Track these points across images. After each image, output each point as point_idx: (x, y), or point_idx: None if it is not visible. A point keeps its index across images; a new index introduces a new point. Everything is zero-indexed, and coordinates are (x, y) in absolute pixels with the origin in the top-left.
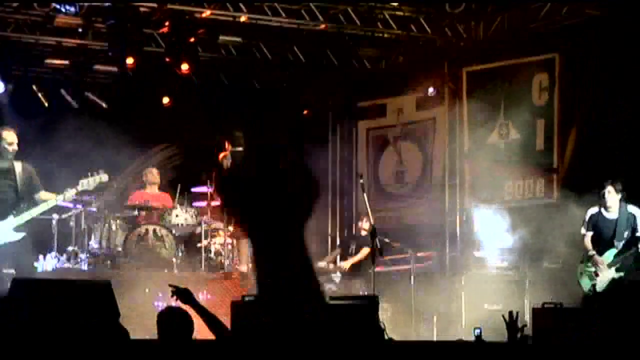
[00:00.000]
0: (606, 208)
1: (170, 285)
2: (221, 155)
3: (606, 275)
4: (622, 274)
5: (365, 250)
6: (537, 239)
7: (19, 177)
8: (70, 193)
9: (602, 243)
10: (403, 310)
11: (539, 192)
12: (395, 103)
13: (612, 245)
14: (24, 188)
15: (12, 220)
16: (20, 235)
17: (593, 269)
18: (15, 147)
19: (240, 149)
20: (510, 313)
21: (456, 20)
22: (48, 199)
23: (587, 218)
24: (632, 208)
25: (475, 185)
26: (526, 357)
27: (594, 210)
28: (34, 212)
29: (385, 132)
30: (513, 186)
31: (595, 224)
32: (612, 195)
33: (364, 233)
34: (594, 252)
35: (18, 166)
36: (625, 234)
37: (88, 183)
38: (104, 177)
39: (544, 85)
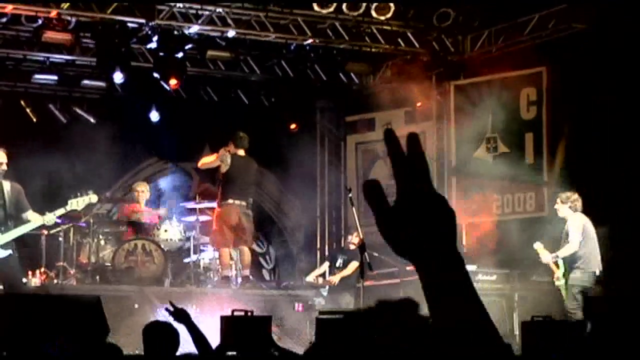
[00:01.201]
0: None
1: (170, 303)
2: (222, 151)
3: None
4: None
5: (354, 265)
6: (526, 253)
7: (7, 196)
8: (54, 215)
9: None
10: None
11: (529, 206)
12: (384, 117)
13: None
14: (12, 207)
15: (0, 238)
16: (6, 252)
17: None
18: (4, 167)
19: (242, 152)
20: None
21: (444, 34)
22: (35, 220)
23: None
24: (572, 217)
25: (464, 199)
26: None
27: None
28: (20, 230)
29: (374, 147)
30: (502, 200)
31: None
32: (559, 206)
33: (352, 247)
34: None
35: (7, 185)
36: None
37: (77, 203)
38: (93, 198)
39: (532, 99)
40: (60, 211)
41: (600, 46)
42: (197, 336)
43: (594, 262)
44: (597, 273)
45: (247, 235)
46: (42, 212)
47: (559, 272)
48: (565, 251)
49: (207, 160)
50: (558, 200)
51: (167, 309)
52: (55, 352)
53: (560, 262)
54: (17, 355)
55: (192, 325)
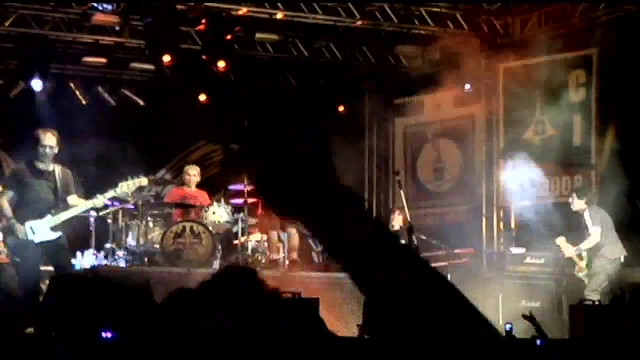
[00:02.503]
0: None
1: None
2: None
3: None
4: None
5: None
6: (575, 236)
7: (58, 180)
8: (104, 198)
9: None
10: None
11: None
12: (432, 100)
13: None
14: (62, 190)
15: (50, 220)
16: (57, 234)
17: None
18: (55, 150)
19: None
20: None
21: (493, 16)
22: (80, 204)
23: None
24: (587, 210)
25: (512, 182)
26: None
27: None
28: (70, 213)
29: (423, 129)
30: (550, 183)
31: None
32: (575, 202)
33: (395, 227)
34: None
35: (58, 169)
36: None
37: (127, 186)
38: (144, 181)
39: (580, 81)
40: (110, 194)
41: None
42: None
43: (617, 250)
44: (622, 259)
45: None
46: (92, 195)
47: (582, 264)
48: (588, 243)
49: None
50: (574, 195)
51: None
52: (107, 338)
53: (584, 254)
54: (67, 337)
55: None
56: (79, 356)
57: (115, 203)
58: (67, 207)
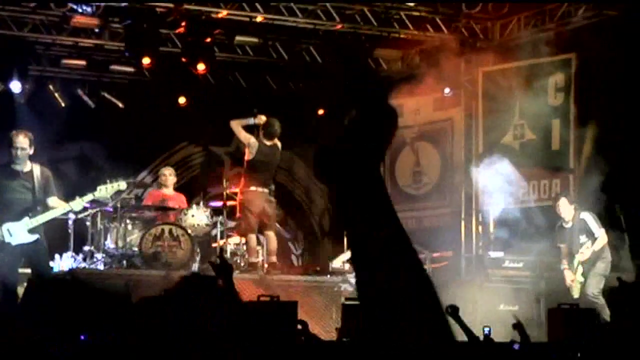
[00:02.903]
0: (564, 220)
1: (219, 254)
2: (252, 139)
3: (577, 282)
4: (582, 279)
5: None
6: (553, 240)
7: (36, 181)
8: (83, 201)
9: (569, 253)
10: None
11: (555, 193)
12: (412, 104)
13: (575, 253)
14: (41, 192)
15: (27, 222)
16: (34, 237)
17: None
18: (27, 151)
19: (269, 142)
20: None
21: (473, 20)
22: (60, 206)
23: (556, 231)
24: (584, 214)
25: (490, 186)
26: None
27: (557, 223)
28: (48, 216)
29: (402, 133)
30: (528, 187)
31: (561, 236)
32: (565, 207)
33: None
34: (565, 265)
35: (37, 169)
36: (581, 239)
37: (106, 190)
38: (122, 185)
39: (559, 85)
40: (89, 197)
41: (631, 33)
42: (231, 295)
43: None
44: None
45: (272, 221)
46: (71, 198)
47: (576, 276)
48: (598, 244)
49: (239, 127)
50: (564, 200)
51: (210, 262)
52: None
53: (579, 268)
54: (48, 341)
55: (229, 282)
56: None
57: (94, 205)
58: (45, 209)
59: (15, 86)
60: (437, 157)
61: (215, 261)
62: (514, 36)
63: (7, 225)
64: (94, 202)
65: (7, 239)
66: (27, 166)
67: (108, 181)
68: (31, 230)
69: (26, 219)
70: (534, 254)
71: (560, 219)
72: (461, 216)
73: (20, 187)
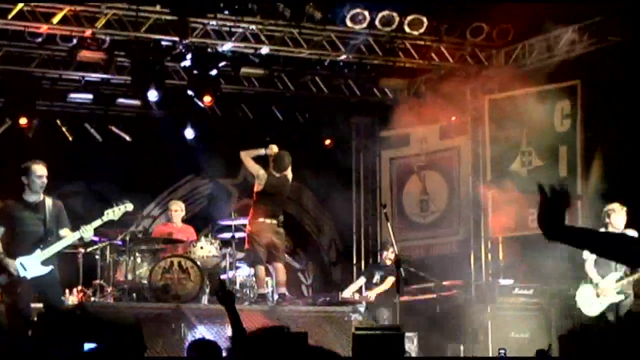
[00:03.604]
0: (613, 229)
1: (220, 282)
2: (261, 170)
3: (607, 299)
4: (622, 297)
5: (391, 280)
6: (562, 267)
7: (48, 212)
8: (92, 227)
9: (604, 266)
10: (429, 340)
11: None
12: (418, 132)
13: (614, 269)
14: (52, 223)
15: (40, 254)
16: (48, 268)
17: (595, 292)
18: (44, 180)
19: (278, 174)
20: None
21: (477, 48)
22: (70, 235)
23: None
24: (630, 232)
25: (499, 214)
26: None
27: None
28: (59, 245)
29: (409, 162)
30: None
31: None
32: (619, 215)
33: (389, 263)
34: (599, 279)
35: (49, 201)
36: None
37: (113, 213)
38: (129, 207)
39: (565, 112)
40: (97, 222)
41: (636, 59)
42: (235, 322)
43: None
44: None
45: (280, 252)
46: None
47: (608, 295)
48: None
49: (249, 158)
50: (617, 207)
51: (214, 290)
52: None
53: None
54: None
55: (233, 310)
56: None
57: (103, 239)
58: (57, 240)
59: (24, 121)
60: (444, 185)
61: (218, 291)
62: (519, 64)
63: (21, 259)
64: (103, 236)
65: (22, 273)
66: (40, 197)
67: (114, 204)
68: (45, 262)
69: (38, 251)
70: (544, 281)
71: (606, 227)
72: (470, 244)
73: (33, 219)
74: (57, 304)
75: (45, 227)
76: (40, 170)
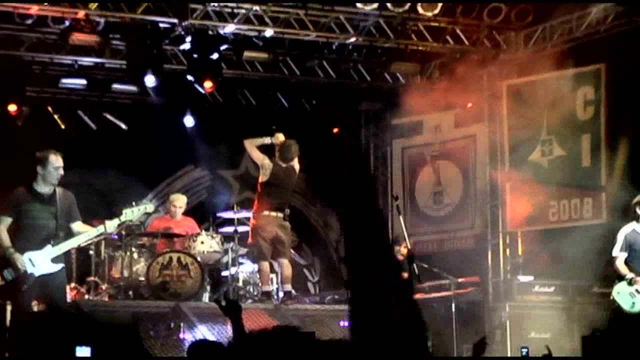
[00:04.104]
0: None
1: (224, 294)
2: (266, 160)
3: None
4: None
5: (403, 277)
6: (585, 263)
7: (59, 204)
8: (113, 223)
9: (638, 263)
10: (443, 340)
11: (586, 212)
12: (432, 120)
13: None
14: (63, 216)
15: (50, 250)
16: (58, 266)
17: (633, 288)
18: (61, 172)
19: (284, 164)
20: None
21: (495, 30)
22: (84, 231)
23: (621, 238)
24: None
25: (518, 206)
26: None
27: (628, 229)
28: (73, 242)
29: (421, 151)
30: (558, 207)
31: (631, 243)
32: None
33: (401, 258)
34: (632, 275)
35: (59, 192)
36: None
37: (132, 212)
38: (150, 207)
39: (589, 98)
40: (115, 222)
41: None
42: (238, 335)
43: None
44: None
45: (286, 247)
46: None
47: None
48: None
49: (254, 147)
50: None
51: (216, 300)
52: None
53: None
54: None
55: (238, 323)
56: None
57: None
58: (68, 235)
59: (12, 108)
60: (459, 176)
61: (221, 300)
62: (539, 47)
63: (29, 255)
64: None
65: (30, 269)
66: (52, 189)
67: (134, 203)
68: (55, 259)
69: (49, 247)
70: (566, 277)
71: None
72: (487, 238)
73: (44, 212)
74: (63, 305)
75: (57, 222)
76: (58, 161)
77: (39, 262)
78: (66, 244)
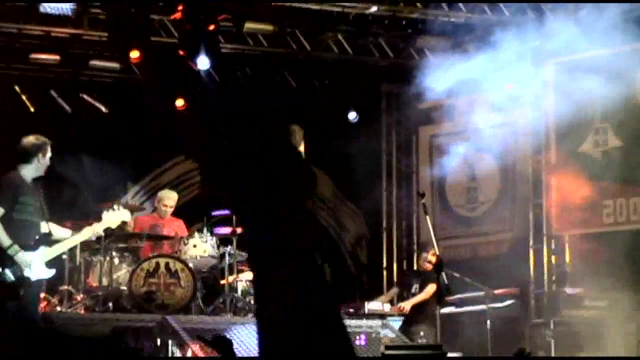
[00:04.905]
0: None
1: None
2: None
3: None
4: None
5: (432, 288)
6: None
7: (42, 199)
8: (99, 229)
9: None
10: None
11: None
12: (466, 103)
13: None
14: (46, 213)
15: (45, 253)
16: (51, 272)
17: None
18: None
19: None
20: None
21: None
22: (65, 235)
23: None
24: None
25: (566, 206)
26: None
27: None
28: (65, 246)
29: (453, 140)
30: (614, 206)
31: None
32: None
33: (428, 266)
34: None
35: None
36: None
37: (113, 219)
38: (126, 216)
39: None
40: (100, 226)
41: None
42: None
43: None
44: None
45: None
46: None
47: None
48: None
49: None
50: None
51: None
52: None
53: None
54: None
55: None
56: None
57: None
58: (54, 236)
59: None
60: (496, 170)
61: (214, 345)
62: (591, 17)
63: (24, 256)
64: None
65: (27, 273)
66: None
67: (115, 207)
68: (48, 264)
69: (43, 248)
70: (622, 289)
71: None
72: (529, 243)
73: (34, 205)
74: (36, 318)
75: (44, 218)
76: (50, 152)
77: (35, 265)
78: (59, 246)
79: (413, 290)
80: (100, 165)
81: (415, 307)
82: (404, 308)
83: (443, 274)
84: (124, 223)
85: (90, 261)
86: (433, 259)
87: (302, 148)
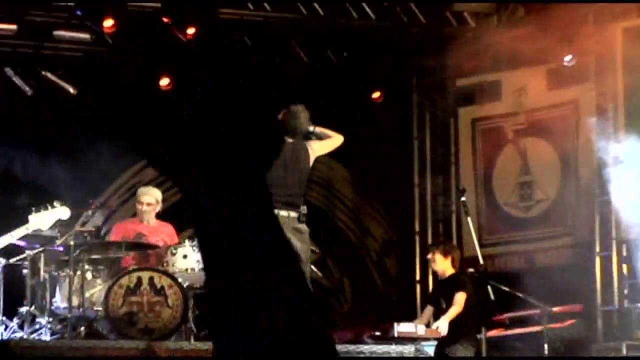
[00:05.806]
0: None
1: None
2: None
3: None
4: None
5: (462, 297)
6: None
7: None
8: (12, 237)
9: None
10: None
11: None
12: (514, 80)
13: None
14: None
15: None
16: None
17: None
18: None
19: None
20: None
21: None
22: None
23: None
24: None
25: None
26: None
27: None
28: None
29: (500, 124)
30: None
31: None
32: None
33: (440, 270)
34: None
35: None
36: None
37: (41, 220)
38: (62, 213)
39: None
40: (21, 231)
41: None
42: None
43: None
44: None
45: (302, 261)
46: None
47: None
48: None
49: None
50: None
51: None
52: None
53: None
54: None
55: None
56: None
57: (33, 244)
58: None
59: None
60: (555, 160)
61: None
62: None
63: None
64: (33, 240)
65: None
66: None
67: (42, 207)
68: None
69: None
70: None
71: None
72: (595, 250)
73: None
74: None
75: None
76: None
77: None
78: None
79: (443, 306)
80: (66, 159)
81: (455, 325)
82: (440, 330)
83: (489, 287)
84: (60, 223)
85: (56, 276)
86: (436, 259)
87: (311, 128)
